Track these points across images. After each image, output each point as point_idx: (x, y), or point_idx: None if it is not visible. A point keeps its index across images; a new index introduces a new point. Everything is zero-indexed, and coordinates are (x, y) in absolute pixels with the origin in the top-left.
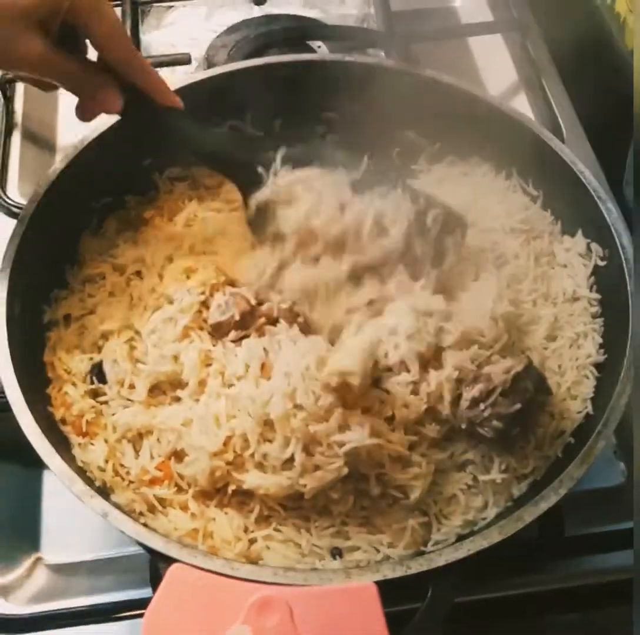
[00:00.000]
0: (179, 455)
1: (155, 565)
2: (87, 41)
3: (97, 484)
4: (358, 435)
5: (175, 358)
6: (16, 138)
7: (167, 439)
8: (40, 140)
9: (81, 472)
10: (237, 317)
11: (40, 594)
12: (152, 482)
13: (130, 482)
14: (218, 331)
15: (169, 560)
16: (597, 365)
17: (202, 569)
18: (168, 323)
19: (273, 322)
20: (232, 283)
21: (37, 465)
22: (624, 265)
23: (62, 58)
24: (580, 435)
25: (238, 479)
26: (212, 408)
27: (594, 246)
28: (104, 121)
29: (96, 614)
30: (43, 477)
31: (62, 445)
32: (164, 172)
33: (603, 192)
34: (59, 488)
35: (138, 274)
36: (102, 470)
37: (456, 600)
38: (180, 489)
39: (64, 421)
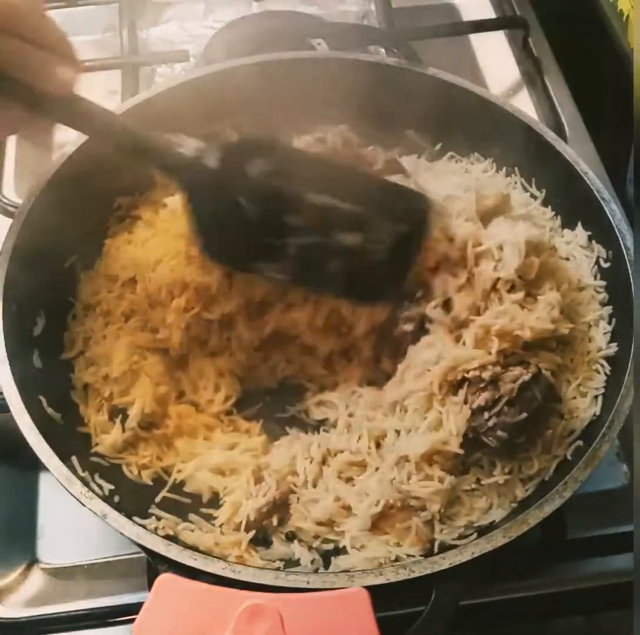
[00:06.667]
0: None
1: (154, 569)
2: None
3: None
4: None
5: None
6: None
7: None
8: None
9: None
10: None
11: (36, 598)
12: None
13: None
14: None
15: (169, 563)
16: (608, 359)
17: (203, 571)
18: None
19: None
20: None
21: (34, 467)
22: (628, 266)
23: None
24: (585, 437)
25: None
26: None
27: (597, 247)
28: None
29: (93, 618)
30: (39, 479)
31: (60, 446)
32: None
33: (607, 193)
34: (56, 490)
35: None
36: None
37: (459, 603)
38: None
39: None
